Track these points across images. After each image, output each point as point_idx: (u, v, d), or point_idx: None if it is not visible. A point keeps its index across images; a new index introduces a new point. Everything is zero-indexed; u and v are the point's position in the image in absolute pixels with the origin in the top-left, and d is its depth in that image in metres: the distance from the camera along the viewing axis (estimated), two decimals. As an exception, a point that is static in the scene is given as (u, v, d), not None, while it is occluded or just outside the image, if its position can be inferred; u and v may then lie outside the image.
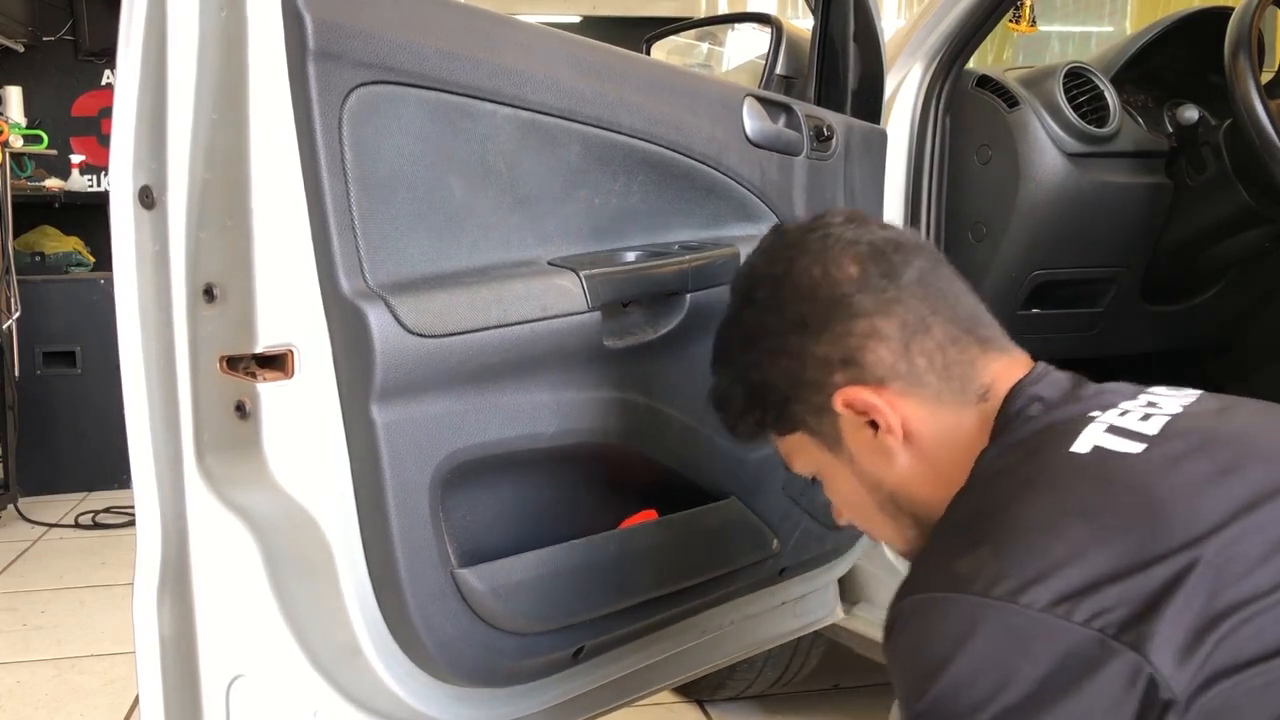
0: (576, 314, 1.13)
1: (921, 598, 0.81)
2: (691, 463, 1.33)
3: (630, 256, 1.24)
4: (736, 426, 1.09)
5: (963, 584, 0.78)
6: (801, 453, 1.05)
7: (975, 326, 0.99)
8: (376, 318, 0.97)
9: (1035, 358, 1.01)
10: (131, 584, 1.00)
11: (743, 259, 1.34)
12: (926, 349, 0.96)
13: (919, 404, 0.96)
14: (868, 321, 0.96)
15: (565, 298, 1.12)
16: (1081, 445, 0.85)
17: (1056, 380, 0.96)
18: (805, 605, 1.71)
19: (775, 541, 1.48)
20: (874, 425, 0.97)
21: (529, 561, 1.16)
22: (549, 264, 1.14)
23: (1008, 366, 0.98)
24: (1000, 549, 0.79)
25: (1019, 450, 0.90)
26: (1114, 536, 0.77)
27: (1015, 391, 0.95)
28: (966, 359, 0.97)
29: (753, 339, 1.03)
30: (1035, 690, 0.73)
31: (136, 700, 2.37)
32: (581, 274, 1.14)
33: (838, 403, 0.97)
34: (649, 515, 1.32)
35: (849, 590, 1.87)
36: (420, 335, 1.00)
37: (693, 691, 2.34)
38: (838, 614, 1.83)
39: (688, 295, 1.27)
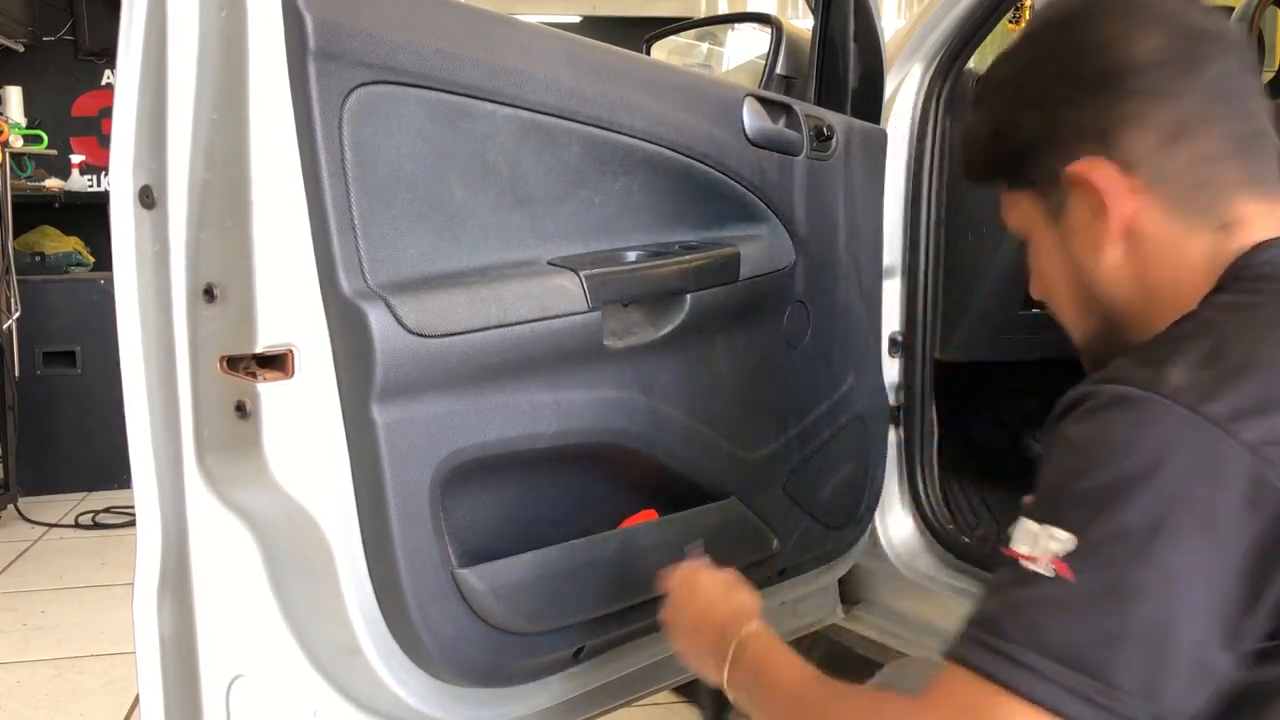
0: (577, 314, 1.13)
1: (1126, 390, 0.78)
2: (691, 463, 1.33)
3: (630, 256, 1.24)
4: (972, 164, 1.05)
5: (1176, 393, 0.75)
6: (1020, 212, 1.00)
7: (1252, 154, 0.91)
8: (377, 318, 0.97)
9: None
10: (131, 584, 1.00)
11: (742, 259, 1.34)
12: (1188, 154, 0.89)
13: (1154, 207, 0.90)
14: (1142, 102, 0.89)
15: (565, 298, 1.12)
16: None
17: None
18: (805, 605, 1.71)
19: (775, 541, 1.48)
20: (1097, 209, 0.92)
21: (529, 561, 1.16)
22: (549, 264, 1.14)
23: (1266, 214, 0.90)
24: (1222, 373, 0.76)
25: (1266, 294, 0.85)
26: None
27: (1270, 244, 0.88)
28: (1224, 182, 0.90)
29: (1020, 80, 0.97)
30: (1203, 518, 0.72)
31: (137, 700, 2.37)
32: (581, 274, 1.14)
33: (1075, 172, 0.91)
34: (649, 515, 1.32)
35: (849, 590, 1.87)
36: (420, 335, 1.00)
37: (693, 691, 2.34)
38: (838, 614, 1.83)
39: (688, 295, 1.27)
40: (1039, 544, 0.76)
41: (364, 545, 1.03)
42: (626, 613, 1.29)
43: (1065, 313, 1.01)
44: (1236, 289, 0.87)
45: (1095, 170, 0.91)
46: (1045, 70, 0.95)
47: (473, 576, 1.10)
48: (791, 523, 1.50)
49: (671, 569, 1.19)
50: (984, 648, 0.75)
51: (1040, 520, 0.77)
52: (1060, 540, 0.74)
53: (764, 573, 1.49)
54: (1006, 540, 0.79)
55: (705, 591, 1.14)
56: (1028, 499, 0.80)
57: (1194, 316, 0.87)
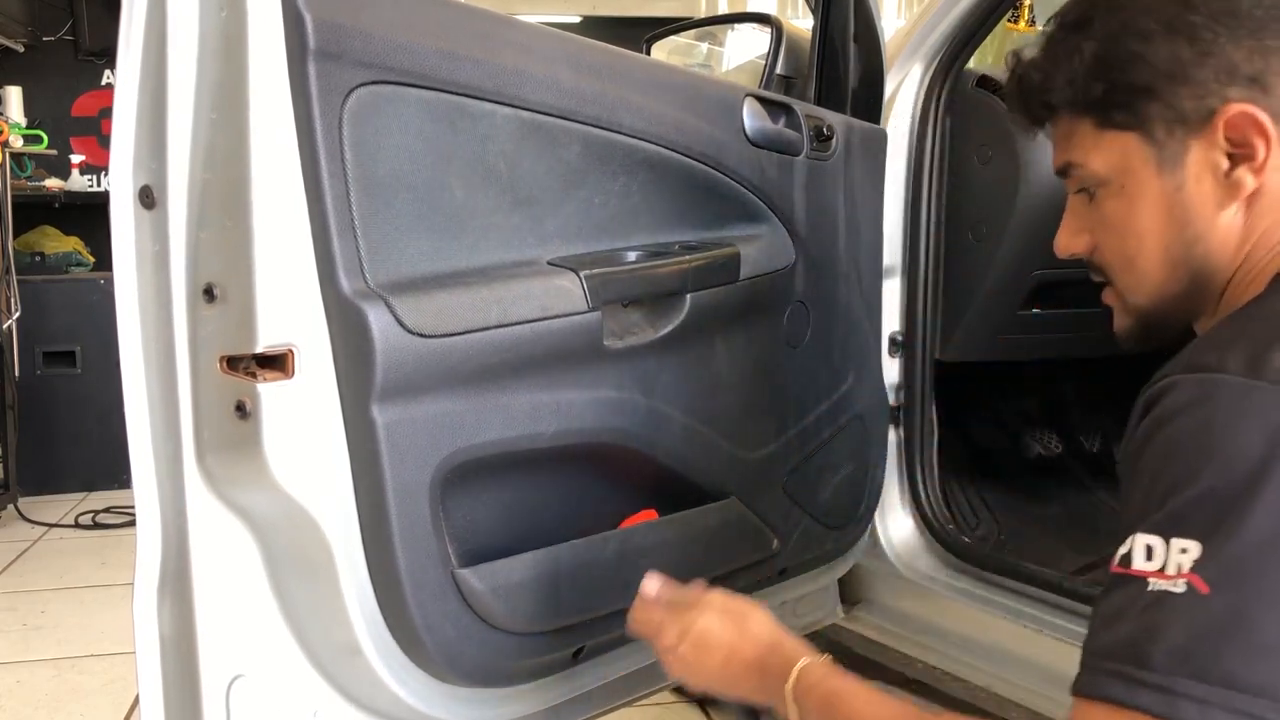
0: (577, 314, 1.13)
1: (1225, 379, 0.72)
2: (691, 463, 1.33)
3: (630, 256, 1.24)
4: (1052, 88, 0.91)
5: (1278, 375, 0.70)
6: (1113, 155, 0.89)
7: None
8: (377, 318, 0.97)
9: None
10: (131, 584, 1.00)
11: (742, 259, 1.34)
12: None
13: None
14: None
15: (565, 298, 1.12)
16: None
17: None
18: (805, 605, 1.71)
19: (775, 542, 1.48)
20: (1230, 161, 0.84)
21: (529, 561, 1.16)
22: (549, 264, 1.14)
23: None
24: None
25: None
26: None
27: None
28: None
29: (1154, 5, 0.85)
30: None
31: (137, 700, 2.37)
32: (581, 274, 1.14)
33: (1224, 116, 0.83)
34: (649, 515, 1.32)
35: (849, 590, 1.87)
36: (420, 335, 1.00)
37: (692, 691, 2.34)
38: (838, 614, 1.83)
39: (688, 295, 1.27)
40: (1165, 558, 0.69)
41: (364, 545, 1.03)
42: (625, 613, 1.29)
43: (1141, 271, 0.91)
44: None
45: (1255, 117, 0.82)
46: (1167, 12, 0.84)
47: (473, 577, 1.10)
48: (792, 523, 1.50)
49: (647, 604, 1.08)
50: (1128, 681, 0.68)
51: (1160, 533, 0.70)
52: (1189, 551, 0.68)
53: (764, 572, 1.49)
54: (1116, 559, 0.73)
55: (716, 629, 1.01)
56: (1131, 513, 0.74)
57: (1275, 289, 0.82)
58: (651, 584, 1.08)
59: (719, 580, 1.40)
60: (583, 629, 1.24)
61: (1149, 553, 0.70)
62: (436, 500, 1.05)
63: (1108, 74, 0.87)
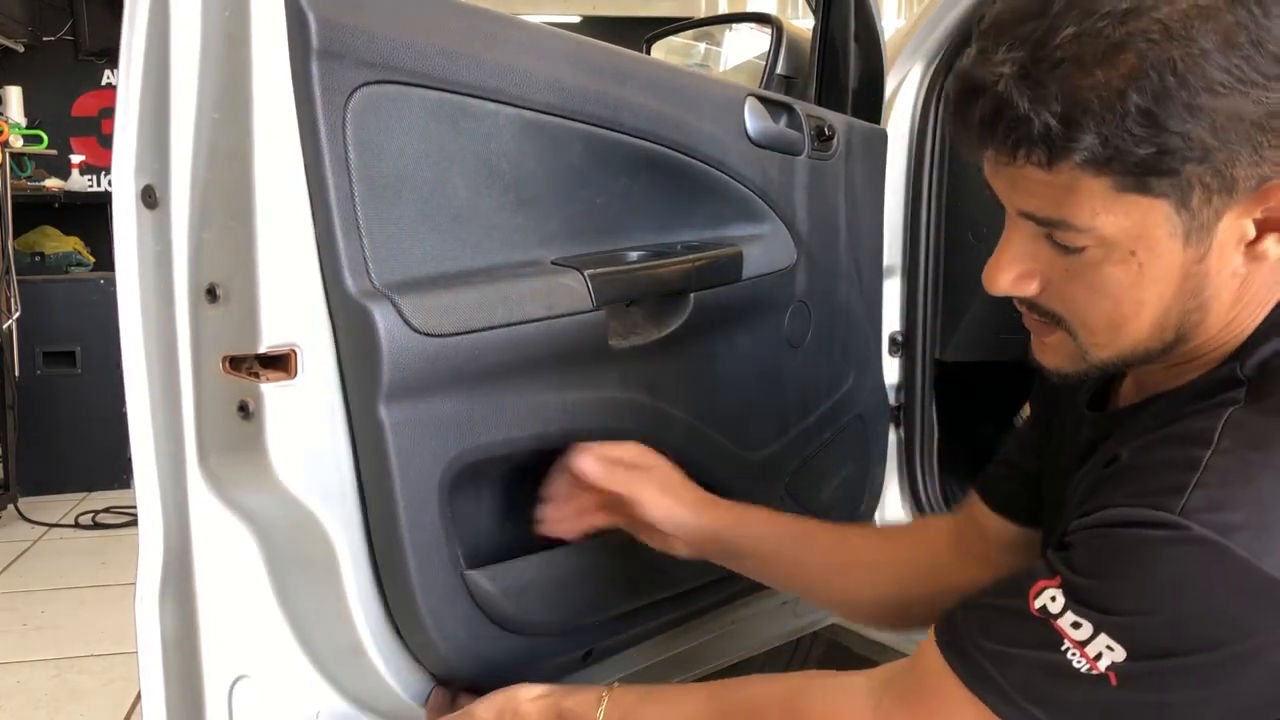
0: (582, 313, 1.13)
1: (1228, 547, 0.71)
2: (696, 463, 1.33)
3: (633, 256, 1.24)
4: (1071, 137, 0.73)
5: (1259, 554, 0.71)
6: (1129, 222, 0.76)
7: None
8: (383, 317, 0.97)
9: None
10: (132, 584, 1.00)
11: (745, 259, 1.35)
12: None
13: None
14: None
15: (570, 297, 1.12)
16: None
17: None
18: (805, 605, 1.71)
19: None
20: (1256, 229, 0.77)
21: (538, 563, 1.16)
22: (552, 264, 1.14)
23: None
24: None
25: None
26: None
27: None
28: None
29: (1205, 65, 0.70)
30: (1267, 673, 0.72)
31: (137, 700, 2.37)
32: (586, 273, 1.14)
33: (1274, 194, 0.74)
34: None
35: (850, 590, 1.87)
36: (427, 334, 1.00)
37: (693, 691, 2.34)
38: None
39: (691, 295, 1.27)
40: (1089, 643, 0.74)
41: (373, 547, 1.03)
42: (636, 615, 1.29)
43: (1132, 333, 0.83)
44: None
45: None
46: (1231, 60, 0.71)
47: (483, 578, 1.10)
48: (793, 523, 1.50)
49: None
50: (1008, 700, 0.77)
51: (1093, 623, 0.74)
52: (1114, 652, 0.73)
53: None
54: (1037, 603, 0.77)
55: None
56: (1069, 577, 0.76)
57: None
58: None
59: (725, 581, 1.40)
60: (592, 630, 1.24)
61: (1076, 625, 0.75)
62: (445, 501, 1.05)
63: (1157, 136, 0.72)
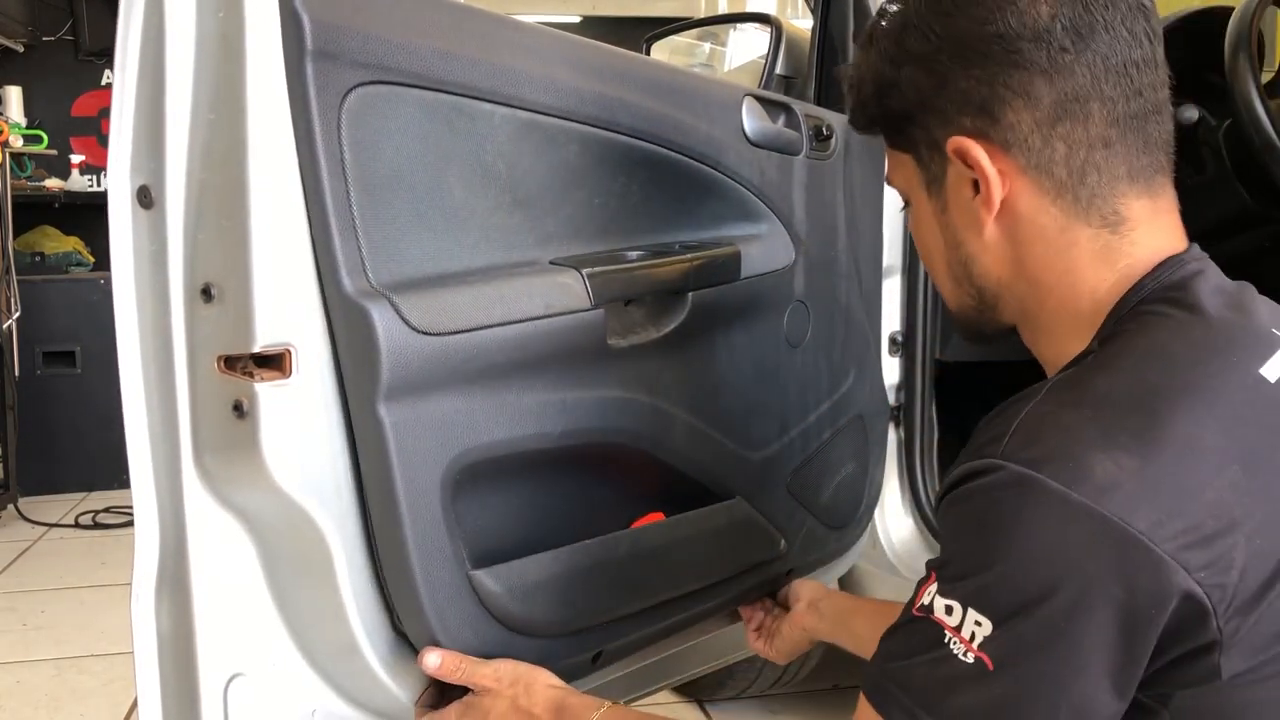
0: (580, 311, 1.13)
1: (1043, 483, 0.74)
2: (697, 463, 1.33)
3: (631, 256, 1.24)
4: (855, 114, 0.98)
5: (1096, 495, 0.73)
6: (901, 173, 0.96)
7: (1135, 140, 0.86)
8: (381, 316, 0.97)
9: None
10: (130, 583, 1.00)
11: (743, 258, 1.34)
12: (1073, 136, 0.85)
13: (1034, 190, 0.86)
14: (1026, 77, 0.84)
15: (568, 295, 1.12)
16: (1272, 371, 0.80)
17: (1222, 277, 0.88)
18: (805, 605, 1.71)
19: (782, 542, 1.47)
20: (976, 186, 0.88)
21: (544, 562, 1.15)
22: (550, 264, 1.14)
23: (1149, 214, 0.87)
24: (1148, 462, 0.74)
25: (1189, 340, 0.82)
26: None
27: (1180, 260, 0.86)
28: (1108, 173, 0.86)
29: (907, 35, 0.89)
30: (1118, 615, 0.73)
31: (136, 700, 2.37)
32: (584, 271, 1.14)
33: (950, 146, 0.87)
34: (656, 519, 1.31)
35: (849, 590, 1.87)
36: (425, 333, 0.99)
37: (693, 691, 2.34)
38: (837, 614, 1.82)
39: (689, 294, 1.27)
40: (962, 621, 0.76)
41: (375, 548, 1.03)
42: (644, 616, 1.28)
43: (940, 282, 0.98)
44: (1147, 325, 0.84)
45: (972, 149, 0.86)
46: (935, 28, 0.87)
47: (488, 578, 1.09)
48: (797, 523, 1.50)
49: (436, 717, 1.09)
50: (911, 718, 0.78)
51: (960, 600, 0.76)
52: (981, 626, 0.75)
53: (772, 573, 1.48)
54: (917, 604, 0.80)
55: (506, 712, 1.05)
56: (936, 564, 0.80)
57: (1114, 354, 0.83)
58: (432, 659, 1.06)
59: (731, 581, 1.40)
60: (600, 631, 1.23)
61: (949, 610, 0.77)
62: (448, 500, 1.05)
63: (879, 100, 0.93)
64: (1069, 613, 0.73)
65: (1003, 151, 0.86)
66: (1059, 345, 0.91)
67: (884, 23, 0.92)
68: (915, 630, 0.79)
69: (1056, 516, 0.74)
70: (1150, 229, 0.88)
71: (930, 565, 0.81)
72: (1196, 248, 0.89)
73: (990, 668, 0.75)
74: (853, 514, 1.66)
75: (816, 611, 1.41)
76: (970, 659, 0.75)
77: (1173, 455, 0.75)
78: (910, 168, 0.95)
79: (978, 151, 0.86)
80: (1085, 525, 0.73)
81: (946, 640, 0.76)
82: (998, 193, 0.87)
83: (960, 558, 0.78)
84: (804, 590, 1.45)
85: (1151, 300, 0.85)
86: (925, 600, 0.79)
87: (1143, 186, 0.87)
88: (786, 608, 1.45)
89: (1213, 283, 0.86)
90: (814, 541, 1.54)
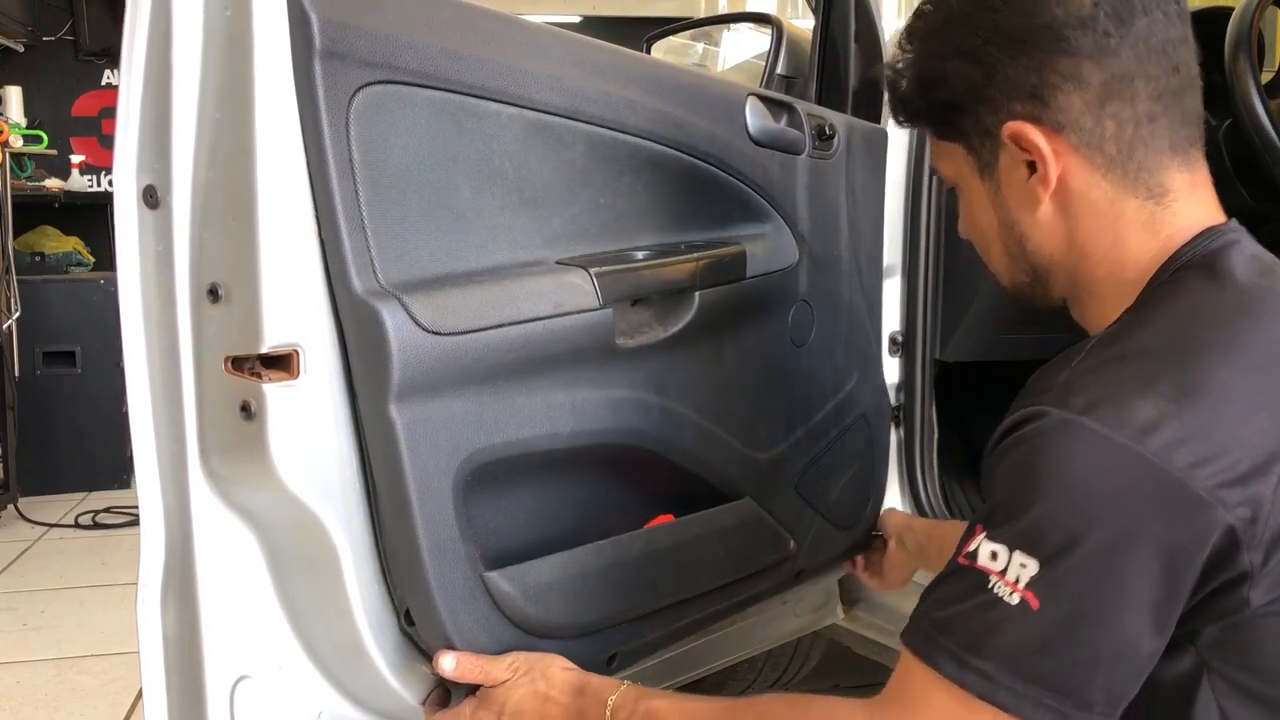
0: (589, 310, 1.13)
1: (1085, 423, 0.79)
2: (706, 463, 1.33)
3: (638, 256, 1.24)
4: (899, 108, 1.03)
5: (1136, 435, 0.78)
6: (949, 161, 1.01)
7: (1176, 115, 0.92)
8: (391, 316, 0.96)
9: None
10: (132, 584, 1.00)
11: (748, 257, 1.35)
12: (1121, 114, 0.90)
13: (1087, 167, 0.92)
14: (1074, 62, 0.89)
15: (577, 294, 1.12)
16: None
17: (1258, 248, 0.93)
18: (805, 605, 1.71)
19: (792, 543, 1.47)
20: (1031, 167, 0.93)
21: (558, 563, 1.15)
22: (558, 263, 1.14)
23: (1189, 186, 0.93)
24: (1185, 408, 0.79)
25: (1220, 302, 0.87)
26: None
27: (1218, 231, 0.91)
28: (1155, 146, 0.91)
29: (951, 30, 0.94)
30: (1157, 551, 0.77)
31: (137, 700, 2.37)
32: (592, 271, 1.14)
33: (1006, 132, 0.92)
34: (667, 520, 1.31)
35: (848, 590, 1.87)
36: (435, 333, 0.99)
37: (693, 691, 2.34)
38: (838, 614, 1.83)
39: (696, 293, 1.27)
40: (1007, 564, 0.80)
41: (383, 549, 1.03)
42: (658, 615, 1.28)
43: (994, 261, 1.03)
44: (1184, 288, 0.89)
45: (1028, 132, 0.91)
46: (980, 21, 0.92)
47: (502, 579, 1.09)
48: (806, 524, 1.49)
49: (449, 714, 1.09)
50: (961, 663, 0.81)
51: (1006, 544, 0.80)
52: (1027, 567, 0.79)
53: (783, 575, 1.48)
54: (963, 553, 0.84)
55: (525, 697, 1.06)
56: (981, 515, 0.84)
57: (1150, 314, 0.89)
58: (448, 661, 1.06)
59: (743, 583, 1.40)
60: (616, 633, 1.23)
61: (994, 555, 0.81)
62: (460, 501, 1.04)
63: (929, 93, 0.98)
64: (1112, 550, 0.77)
65: (1055, 132, 0.91)
66: (1105, 312, 0.94)
67: (923, 20, 0.97)
68: (959, 579, 0.83)
69: (1100, 457, 0.78)
70: (1190, 201, 0.93)
71: (975, 519, 0.84)
72: (1235, 221, 0.94)
73: (1035, 606, 0.78)
74: (861, 514, 1.65)
75: (903, 546, 1.52)
76: (1015, 599, 0.79)
77: (1208, 402, 0.80)
78: (960, 156, 0.99)
79: (1035, 134, 0.91)
80: (1128, 465, 0.77)
81: (991, 585, 0.80)
82: (1054, 172, 0.92)
83: (1006, 503, 0.82)
84: (891, 524, 1.55)
85: (1188, 267, 0.90)
86: (971, 548, 0.83)
87: (1182, 159, 0.92)
88: (884, 541, 1.56)
89: (1248, 252, 0.91)
90: (823, 541, 1.54)
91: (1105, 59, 0.89)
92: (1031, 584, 0.78)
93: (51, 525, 4.01)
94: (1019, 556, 0.79)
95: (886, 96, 1.05)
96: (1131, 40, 0.89)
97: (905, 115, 1.03)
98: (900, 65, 1.00)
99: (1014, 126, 0.92)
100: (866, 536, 1.60)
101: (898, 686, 0.87)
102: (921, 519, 1.64)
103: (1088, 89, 0.89)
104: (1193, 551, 0.78)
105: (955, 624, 0.82)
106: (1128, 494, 0.78)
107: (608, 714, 1.01)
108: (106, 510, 4.07)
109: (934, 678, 0.82)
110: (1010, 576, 0.79)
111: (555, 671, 1.07)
